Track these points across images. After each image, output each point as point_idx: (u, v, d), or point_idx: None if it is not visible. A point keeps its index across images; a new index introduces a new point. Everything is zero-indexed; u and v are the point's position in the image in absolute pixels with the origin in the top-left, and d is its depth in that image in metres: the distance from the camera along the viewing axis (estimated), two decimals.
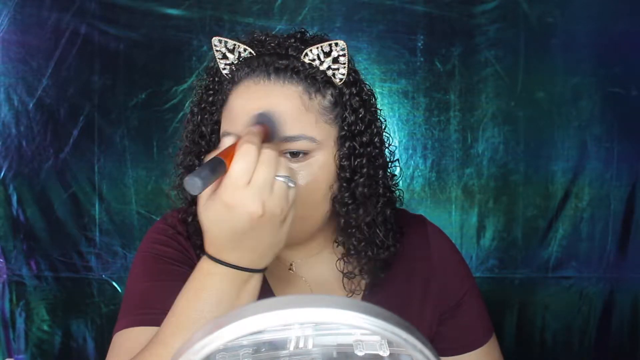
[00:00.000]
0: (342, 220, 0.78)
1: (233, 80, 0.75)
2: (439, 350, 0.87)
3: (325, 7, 1.66)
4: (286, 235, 0.65)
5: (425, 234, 0.89)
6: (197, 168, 0.60)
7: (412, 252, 0.86)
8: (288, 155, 0.72)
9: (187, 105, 1.64)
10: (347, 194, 0.76)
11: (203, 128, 0.79)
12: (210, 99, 0.79)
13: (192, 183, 0.56)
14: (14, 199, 1.69)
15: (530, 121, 1.67)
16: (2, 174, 1.68)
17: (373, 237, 0.79)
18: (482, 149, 1.68)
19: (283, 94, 0.72)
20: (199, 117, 0.80)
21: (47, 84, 1.66)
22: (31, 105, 1.66)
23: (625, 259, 1.68)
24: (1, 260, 1.71)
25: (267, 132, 0.68)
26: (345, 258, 0.82)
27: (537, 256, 1.69)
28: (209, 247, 0.64)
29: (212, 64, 0.80)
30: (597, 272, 1.69)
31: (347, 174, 0.75)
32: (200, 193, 0.58)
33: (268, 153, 0.61)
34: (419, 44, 1.67)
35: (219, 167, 0.59)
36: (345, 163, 0.75)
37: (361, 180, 0.76)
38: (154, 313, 0.73)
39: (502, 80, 1.67)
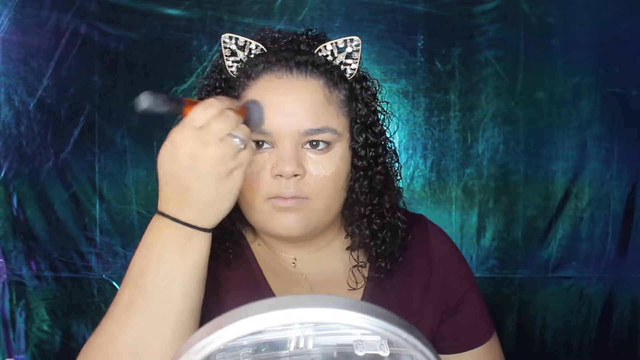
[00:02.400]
0: (362, 209, 0.80)
1: (249, 76, 0.76)
2: (440, 348, 0.87)
3: (325, 7, 1.66)
4: (232, 196, 0.65)
5: (426, 232, 0.90)
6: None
7: (413, 251, 0.86)
8: (308, 146, 0.74)
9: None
10: (365, 183, 0.79)
11: None
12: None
13: (144, 97, 0.59)
14: (15, 198, 1.69)
15: (530, 121, 1.67)
16: (2, 174, 1.68)
17: (394, 221, 0.82)
18: (482, 149, 1.68)
19: (307, 88, 0.74)
20: None
21: (47, 84, 1.66)
22: (32, 105, 1.66)
23: (625, 259, 1.68)
24: (1, 260, 1.71)
25: (245, 115, 0.69)
26: (358, 248, 0.83)
27: (537, 256, 1.69)
28: (159, 199, 0.66)
29: (220, 61, 0.80)
30: (597, 272, 1.69)
31: (364, 163, 0.78)
32: (142, 109, 0.60)
33: (230, 113, 0.63)
34: (419, 44, 1.67)
35: (175, 104, 0.62)
36: (362, 153, 0.78)
37: (378, 168, 0.80)
38: None
39: (502, 80, 1.67)
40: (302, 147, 0.74)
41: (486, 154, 1.68)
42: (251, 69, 0.76)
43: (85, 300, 1.71)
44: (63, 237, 1.70)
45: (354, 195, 0.79)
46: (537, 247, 1.69)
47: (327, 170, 0.75)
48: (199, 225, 0.64)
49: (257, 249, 0.85)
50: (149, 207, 1.69)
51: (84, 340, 1.72)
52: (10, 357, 1.73)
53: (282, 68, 0.75)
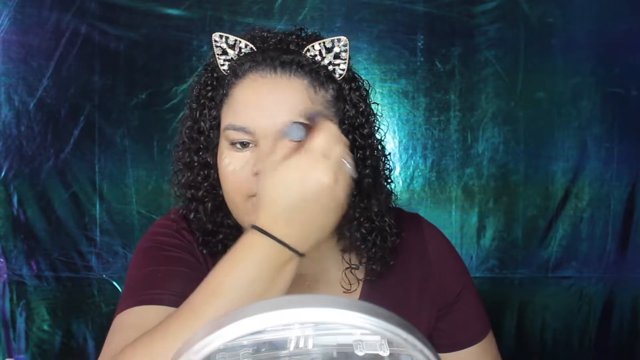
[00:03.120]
0: (350, 212, 0.79)
1: (236, 74, 0.76)
2: (436, 346, 0.86)
3: (325, 7, 1.66)
4: (337, 222, 0.65)
5: (422, 231, 0.89)
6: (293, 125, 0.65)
7: (409, 250, 0.86)
8: None
9: (186, 104, 1.64)
10: (353, 186, 0.77)
11: (202, 124, 0.80)
12: (209, 94, 0.79)
13: (296, 128, 0.62)
14: (15, 198, 1.69)
15: (530, 121, 1.67)
16: (3, 174, 1.68)
17: (383, 225, 0.81)
18: (482, 149, 1.68)
19: (290, 87, 0.74)
20: (197, 113, 0.80)
21: (47, 84, 1.66)
22: (32, 105, 1.67)
23: (625, 259, 1.68)
24: (2, 260, 1.71)
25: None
26: (350, 250, 0.83)
27: (537, 256, 1.69)
28: (261, 218, 0.63)
29: (212, 60, 0.80)
30: (597, 272, 1.69)
31: None
32: (301, 139, 0.62)
33: (344, 138, 0.65)
34: (419, 44, 1.67)
35: (307, 131, 0.64)
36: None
37: (366, 171, 0.79)
38: (157, 293, 0.73)
39: (502, 80, 1.67)
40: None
41: (486, 154, 1.68)
42: (238, 68, 0.76)
43: (86, 300, 1.72)
44: (63, 237, 1.70)
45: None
46: (537, 247, 1.69)
47: None
48: (300, 249, 0.63)
49: None
50: (149, 207, 1.70)
51: (84, 340, 1.72)
52: (11, 357, 1.73)
53: (267, 67, 0.74)
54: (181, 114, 1.66)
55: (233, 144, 0.74)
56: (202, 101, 0.80)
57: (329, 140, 0.62)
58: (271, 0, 1.65)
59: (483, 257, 1.69)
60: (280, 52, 0.75)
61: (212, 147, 0.79)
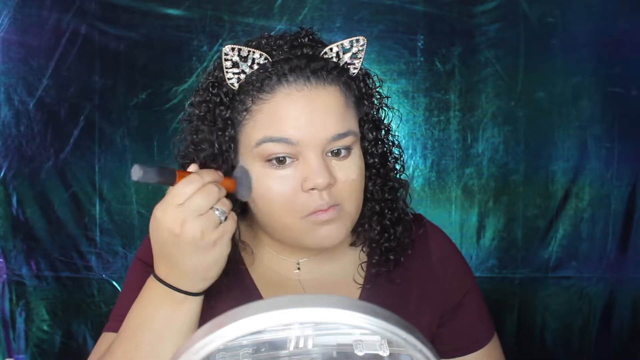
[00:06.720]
0: (376, 206, 0.80)
1: (261, 89, 0.71)
2: (440, 351, 0.85)
3: (325, 7, 1.66)
4: (220, 263, 0.68)
5: (425, 233, 0.88)
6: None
7: (412, 253, 0.85)
8: (330, 154, 0.72)
9: (187, 105, 1.64)
10: (379, 181, 0.80)
11: (221, 147, 0.74)
12: (225, 114, 0.74)
13: (136, 170, 0.63)
14: (14, 198, 1.69)
15: (530, 121, 1.67)
16: (2, 174, 1.68)
17: (406, 214, 0.83)
18: (482, 149, 1.68)
19: (328, 95, 0.72)
20: (214, 136, 0.74)
21: (47, 84, 1.66)
22: (32, 105, 1.67)
23: (626, 259, 1.68)
24: (1, 260, 1.71)
25: (233, 186, 0.72)
26: (367, 244, 0.83)
27: (537, 256, 1.69)
28: (154, 262, 0.70)
29: (218, 74, 0.75)
30: (597, 272, 1.69)
31: (376, 161, 0.79)
32: (135, 180, 0.63)
33: (210, 187, 0.66)
34: (419, 44, 1.67)
35: (168, 176, 0.66)
36: (373, 150, 0.79)
37: (389, 165, 0.81)
38: (118, 321, 0.76)
39: (502, 80, 1.67)
40: (326, 155, 0.72)
41: (486, 153, 1.68)
42: (261, 82, 0.71)
43: (86, 300, 1.72)
44: (63, 237, 1.70)
45: (368, 194, 0.79)
46: (537, 247, 1.69)
47: (353, 173, 0.73)
48: (189, 290, 0.68)
49: (249, 259, 0.82)
50: (149, 207, 1.68)
51: (84, 340, 1.72)
52: (10, 357, 1.73)
53: (298, 78, 0.71)
54: (181, 114, 1.66)
55: (269, 160, 0.71)
56: (218, 124, 0.74)
57: (184, 191, 0.65)
58: (271, 0, 1.65)
59: (483, 257, 1.69)
60: (305, 60, 0.71)
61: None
